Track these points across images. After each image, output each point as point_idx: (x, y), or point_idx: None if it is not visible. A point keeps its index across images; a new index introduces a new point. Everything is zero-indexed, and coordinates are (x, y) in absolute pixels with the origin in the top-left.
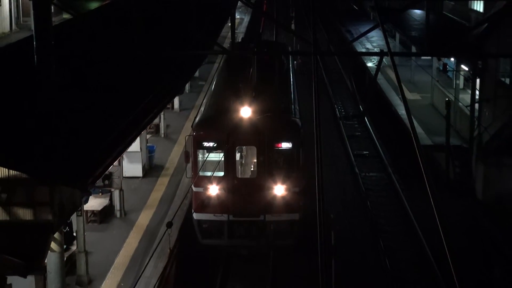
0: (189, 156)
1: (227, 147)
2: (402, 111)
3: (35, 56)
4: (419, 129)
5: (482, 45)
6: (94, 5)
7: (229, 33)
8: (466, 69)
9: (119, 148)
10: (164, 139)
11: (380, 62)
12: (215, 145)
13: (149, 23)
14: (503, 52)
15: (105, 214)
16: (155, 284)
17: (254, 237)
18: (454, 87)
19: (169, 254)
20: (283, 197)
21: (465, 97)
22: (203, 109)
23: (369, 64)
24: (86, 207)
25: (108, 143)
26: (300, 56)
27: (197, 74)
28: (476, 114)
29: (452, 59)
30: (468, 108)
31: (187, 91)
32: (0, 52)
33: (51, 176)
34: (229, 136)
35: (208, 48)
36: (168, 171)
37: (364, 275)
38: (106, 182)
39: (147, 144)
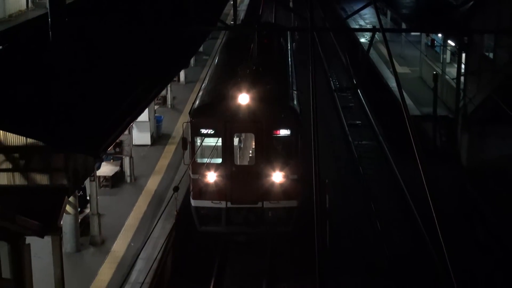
0: (187, 143)
1: (224, 134)
2: (393, 83)
3: (50, 32)
4: (408, 101)
5: (468, 21)
6: None
7: (231, 11)
8: (453, 44)
9: (129, 118)
10: (171, 109)
11: (372, 38)
12: (213, 132)
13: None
14: (487, 28)
15: (116, 180)
16: (163, 244)
17: (252, 223)
18: (441, 61)
19: (176, 216)
20: (281, 184)
21: (452, 71)
22: (200, 95)
23: (362, 40)
24: (99, 172)
25: (119, 113)
26: (298, 32)
27: (201, 49)
28: (462, 86)
29: (439, 35)
30: (454, 80)
31: (192, 65)
32: (18, 29)
33: (66, 144)
34: (226, 123)
35: (211, 24)
36: (174, 140)
37: (357, 237)
38: (117, 149)
39: (155, 114)
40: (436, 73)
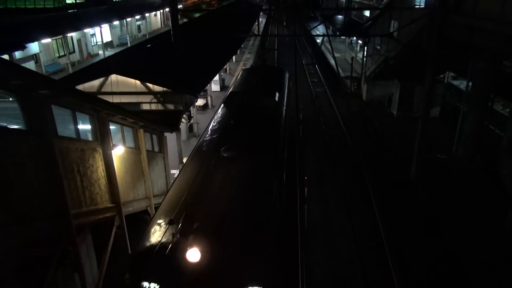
0: None
1: None
2: (332, 62)
3: (172, 38)
4: (340, 69)
5: (367, 31)
6: (197, 15)
7: (256, 28)
8: (360, 42)
9: (209, 78)
10: (228, 75)
11: (322, 39)
12: None
13: (221, 22)
14: (377, 34)
15: (204, 107)
16: None
17: None
18: (355, 50)
19: None
20: None
21: (360, 55)
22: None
23: (318, 40)
24: (196, 103)
25: (205, 76)
26: (287, 36)
27: (242, 45)
28: (365, 62)
29: (355, 38)
30: (361, 59)
31: (238, 53)
32: (158, 37)
33: (182, 90)
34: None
35: (247, 33)
36: (231, 88)
37: (313, 131)
38: (204, 93)
39: (221, 76)
40: (352, 56)
